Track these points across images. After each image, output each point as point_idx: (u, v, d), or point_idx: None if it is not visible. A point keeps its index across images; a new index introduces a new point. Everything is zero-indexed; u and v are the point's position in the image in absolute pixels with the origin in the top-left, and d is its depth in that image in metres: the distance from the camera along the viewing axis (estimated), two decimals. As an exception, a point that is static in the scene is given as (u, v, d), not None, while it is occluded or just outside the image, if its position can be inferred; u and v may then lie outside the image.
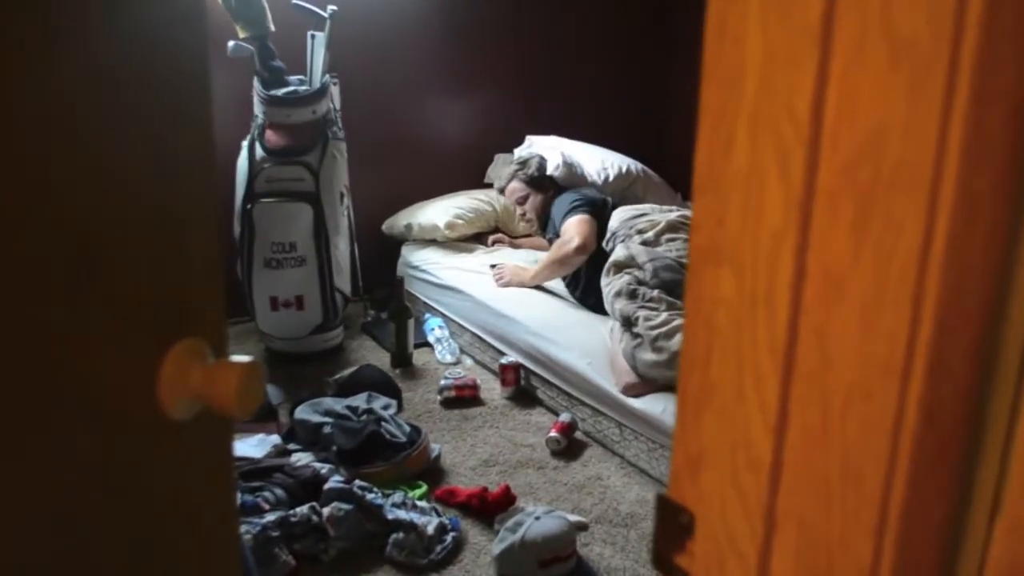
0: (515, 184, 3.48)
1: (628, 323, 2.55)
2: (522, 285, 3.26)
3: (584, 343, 2.82)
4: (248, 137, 3.24)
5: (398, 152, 4.05)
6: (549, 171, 3.49)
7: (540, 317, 3.06)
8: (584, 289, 3.11)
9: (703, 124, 0.60)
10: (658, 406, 2.47)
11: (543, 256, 3.30)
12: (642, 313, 2.50)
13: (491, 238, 3.83)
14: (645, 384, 2.53)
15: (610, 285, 2.69)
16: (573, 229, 3.08)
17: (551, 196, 3.42)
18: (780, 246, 0.56)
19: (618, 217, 3.03)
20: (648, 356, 2.47)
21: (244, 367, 0.74)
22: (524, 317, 3.08)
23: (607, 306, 2.71)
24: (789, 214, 0.55)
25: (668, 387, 2.50)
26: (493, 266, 3.46)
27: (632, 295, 2.58)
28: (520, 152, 3.70)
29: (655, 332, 2.45)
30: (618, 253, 2.77)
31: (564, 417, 2.79)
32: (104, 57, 0.65)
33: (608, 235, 3.01)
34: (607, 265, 2.78)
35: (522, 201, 3.48)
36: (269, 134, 3.20)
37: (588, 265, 3.05)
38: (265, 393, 3.17)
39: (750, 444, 0.60)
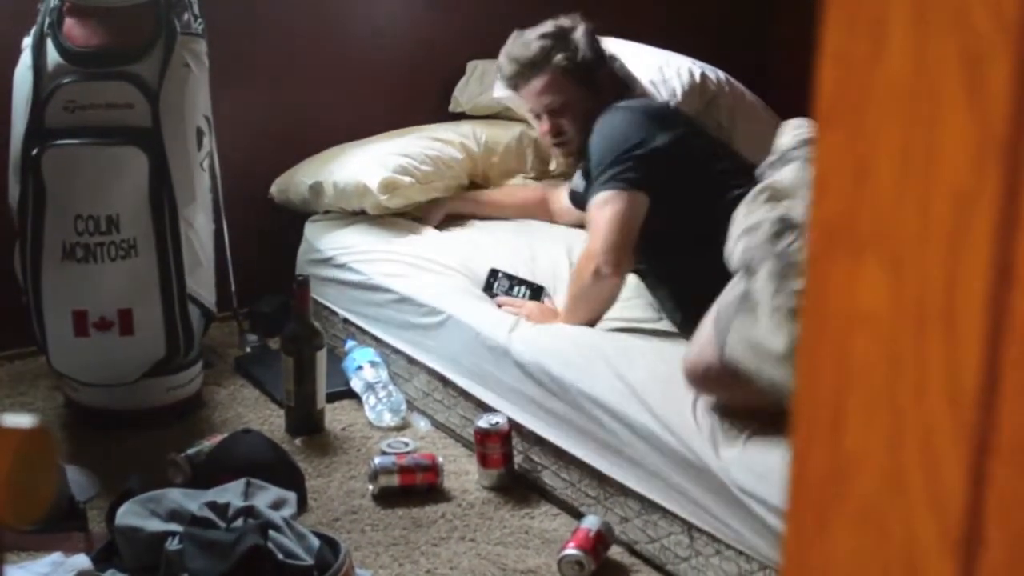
0: (543, 81, 3.33)
1: (749, 272, 2.60)
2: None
3: (637, 374, 2.85)
4: (33, 31, 3.23)
5: (296, 58, 4.05)
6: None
7: (556, 342, 3.07)
8: (675, 296, 3.16)
9: (831, 5, 0.59)
10: (764, 462, 2.48)
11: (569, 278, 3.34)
12: (772, 267, 2.52)
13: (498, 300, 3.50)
14: (727, 379, 2.59)
15: (747, 215, 2.73)
16: (595, 230, 3.11)
17: (605, 101, 3.30)
18: (968, 219, 0.56)
19: (792, 132, 3.07)
20: (752, 330, 2.50)
21: (20, 437, 0.74)
22: (528, 348, 3.09)
23: (729, 245, 2.74)
24: (984, 160, 0.55)
25: (776, 417, 2.54)
26: (492, 294, 3.43)
27: (777, 235, 2.61)
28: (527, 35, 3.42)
29: (781, 301, 2.47)
30: (785, 175, 2.79)
31: (591, 522, 2.79)
32: None
33: (773, 157, 3.05)
34: (758, 189, 2.81)
35: (559, 112, 3.34)
36: (71, 25, 3.19)
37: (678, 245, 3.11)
38: (62, 482, 3.12)
39: (918, 572, 0.60)
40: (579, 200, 3.45)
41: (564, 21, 3.38)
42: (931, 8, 0.56)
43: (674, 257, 3.13)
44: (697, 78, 3.73)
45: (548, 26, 3.38)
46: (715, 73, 3.82)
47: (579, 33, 3.34)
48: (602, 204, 3.09)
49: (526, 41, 3.37)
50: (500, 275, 3.46)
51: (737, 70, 4.00)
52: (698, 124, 3.35)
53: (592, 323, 3.16)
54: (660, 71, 3.68)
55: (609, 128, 3.20)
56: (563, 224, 3.81)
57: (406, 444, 3.19)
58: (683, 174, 3.14)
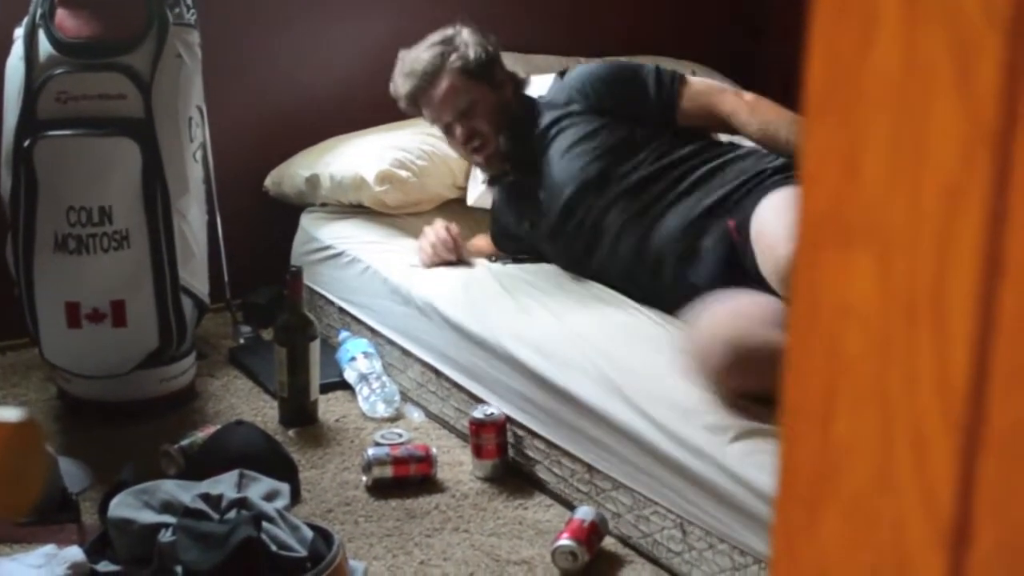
0: (444, 86, 3.34)
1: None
2: None
3: (632, 365, 2.85)
4: (25, 21, 3.22)
5: (292, 48, 4.05)
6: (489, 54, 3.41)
7: (552, 333, 3.07)
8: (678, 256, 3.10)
9: (822, 0, 0.59)
10: (761, 464, 2.48)
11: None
12: None
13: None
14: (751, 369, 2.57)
15: None
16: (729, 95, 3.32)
17: (507, 96, 3.40)
18: (957, 211, 0.56)
19: None
20: None
21: (8, 430, 0.73)
22: (523, 340, 3.09)
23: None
24: (974, 153, 0.55)
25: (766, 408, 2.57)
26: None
27: None
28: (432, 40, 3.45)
29: None
30: None
31: (584, 512, 2.80)
32: None
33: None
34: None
35: (468, 114, 3.35)
36: (63, 16, 3.19)
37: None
38: (55, 474, 3.12)
39: (906, 567, 0.60)
40: (508, 232, 3.54)
41: (447, 29, 3.41)
42: (922, 2, 0.56)
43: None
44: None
45: (433, 36, 3.42)
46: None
47: (465, 34, 3.37)
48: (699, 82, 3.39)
49: (415, 56, 3.38)
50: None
51: (729, 59, 4.01)
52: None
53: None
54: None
55: (559, 89, 3.42)
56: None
57: (399, 435, 3.18)
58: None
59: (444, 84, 3.32)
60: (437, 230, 3.49)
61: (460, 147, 3.43)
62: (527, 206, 3.39)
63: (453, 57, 3.31)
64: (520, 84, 3.44)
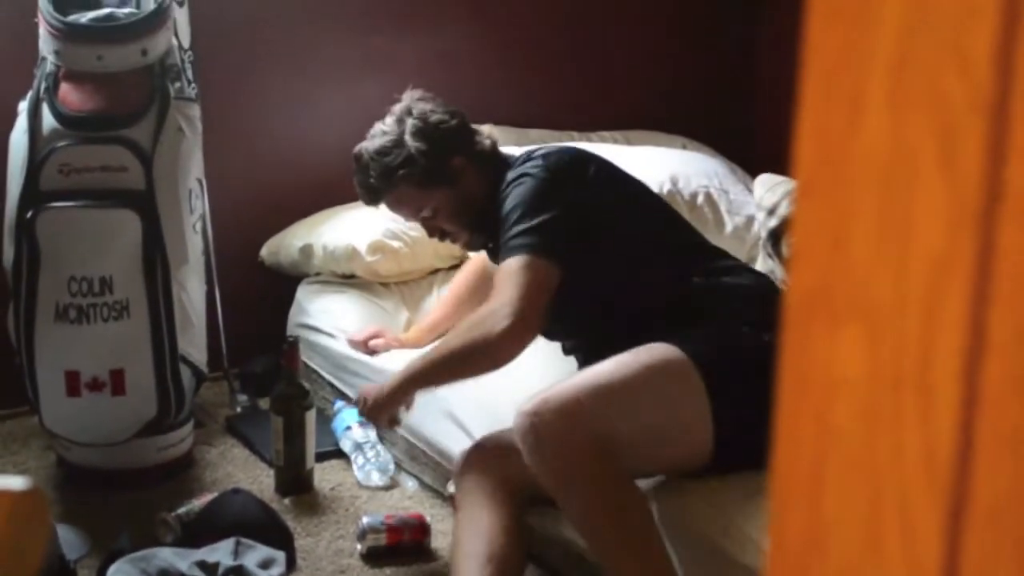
0: (394, 199, 3.01)
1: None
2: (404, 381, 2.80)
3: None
4: (29, 96, 3.24)
5: (288, 122, 4.07)
6: (442, 123, 2.96)
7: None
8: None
9: (809, 78, 0.60)
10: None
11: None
12: None
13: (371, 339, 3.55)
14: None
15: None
16: (504, 287, 2.67)
17: (469, 187, 2.94)
18: (943, 286, 0.56)
19: (771, 187, 3.00)
20: None
21: (12, 499, 0.74)
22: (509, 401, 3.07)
23: (762, 248, 2.73)
24: (958, 229, 0.56)
25: None
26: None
27: None
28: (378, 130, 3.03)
29: None
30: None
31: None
32: None
33: (761, 212, 2.97)
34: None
35: (429, 219, 3.01)
36: (67, 91, 3.20)
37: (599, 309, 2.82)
38: (53, 541, 3.10)
39: (895, 634, 0.60)
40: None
41: (388, 122, 2.98)
42: (907, 85, 0.57)
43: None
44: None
45: (379, 138, 2.96)
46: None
47: (408, 130, 2.93)
48: (513, 264, 2.72)
49: (363, 166, 2.98)
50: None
51: (718, 135, 4.02)
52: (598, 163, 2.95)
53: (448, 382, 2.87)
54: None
55: (517, 181, 2.82)
56: None
57: (396, 505, 3.16)
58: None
59: (394, 197, 2.99)
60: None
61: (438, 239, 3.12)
62: None
63: (401, 172, 2.91)
64: (481, 157, 2.98)
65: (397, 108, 3.00)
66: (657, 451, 2.56)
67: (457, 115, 3.02)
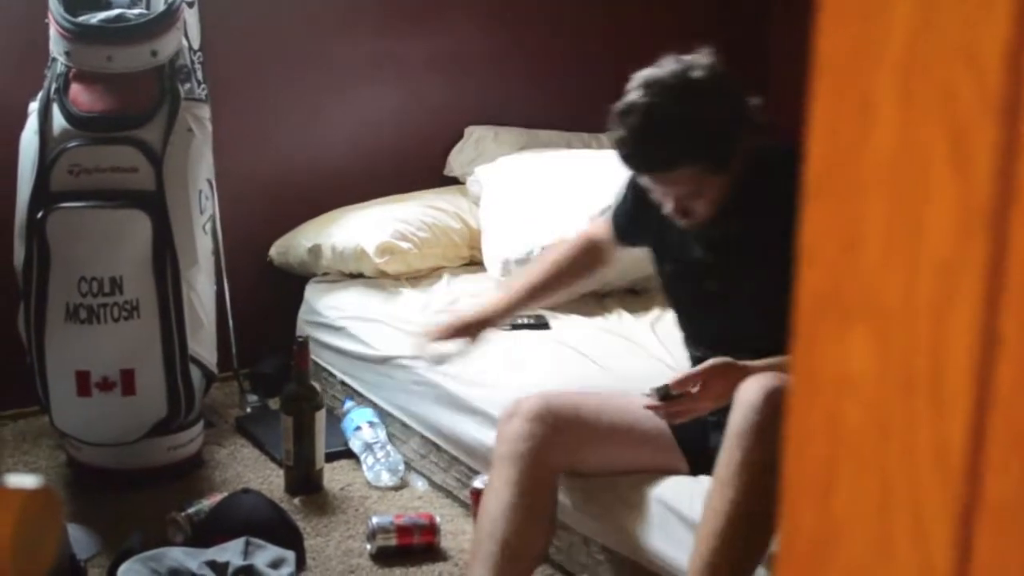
0: (676, 177, 2.56)
1: None
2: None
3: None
4: (40, 96, 3.24)
5: (297, 123, 4.07)
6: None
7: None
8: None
9: (820, 80, 0.60)
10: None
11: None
12: None
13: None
14: None
15: None
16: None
17: (736, 175, 2.60)
18: (954, 287, 0.56)
19: None
20: None
21: (25, 498, 0.74)
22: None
23: None
24: (969, 230, 0.55)
25: None
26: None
27: None
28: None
29: None
30: None
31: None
32: None
33: None
34: None
35: (690, 198, 2.59)
36: (77, 91, 3.21)
37: None
38: (64, 540, 3.10)
39: (906, 635, 0.59)
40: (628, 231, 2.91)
41: (696, 75, 2.54)
42: (917, 85, 0.56)
43: None
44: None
45: (690, 106, 2.51)
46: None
47: (719, 116, 2.55)
48: None
49: (661, 134, 2.50)
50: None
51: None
52: None
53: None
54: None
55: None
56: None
57: (405, 505, 3.16)
58: None
59: (676, 176, 2.55)
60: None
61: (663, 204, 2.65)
62: (676, 242, 2.77)
63: (702, 161, 2.51)
64: (752, 144, 2.59)
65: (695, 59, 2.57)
66: None
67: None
